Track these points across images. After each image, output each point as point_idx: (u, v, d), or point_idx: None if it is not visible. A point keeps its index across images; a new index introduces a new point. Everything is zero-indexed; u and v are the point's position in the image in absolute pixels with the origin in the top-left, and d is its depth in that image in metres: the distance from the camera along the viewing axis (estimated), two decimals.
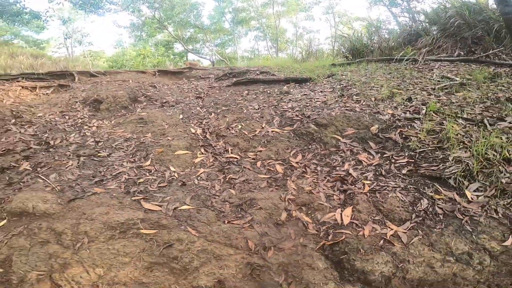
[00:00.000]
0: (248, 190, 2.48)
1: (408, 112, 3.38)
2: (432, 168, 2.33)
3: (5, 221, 2.02)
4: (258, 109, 4.28)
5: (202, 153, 3.16)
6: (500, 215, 1.90)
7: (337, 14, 18.67)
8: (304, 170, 2.73)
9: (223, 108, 4.44)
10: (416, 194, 2.13)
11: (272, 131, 3.51)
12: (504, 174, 2.14)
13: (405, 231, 1.84)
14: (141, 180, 2.56)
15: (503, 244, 1.72)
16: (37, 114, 3.88)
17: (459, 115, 3.12)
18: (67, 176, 2.56)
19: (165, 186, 2.50)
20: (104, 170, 2.70)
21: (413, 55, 5.90)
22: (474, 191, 2.07)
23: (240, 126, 3.73)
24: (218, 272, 1.73)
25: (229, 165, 2.93)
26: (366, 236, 1.84)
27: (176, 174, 2.71)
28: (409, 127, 3.04)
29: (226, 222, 2.08)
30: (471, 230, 1.81)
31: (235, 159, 3.04)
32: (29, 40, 16.08)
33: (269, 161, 2.97)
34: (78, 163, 2.79)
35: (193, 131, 3.64)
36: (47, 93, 4.44)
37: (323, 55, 10.39)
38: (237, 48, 19.51)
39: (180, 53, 19.04)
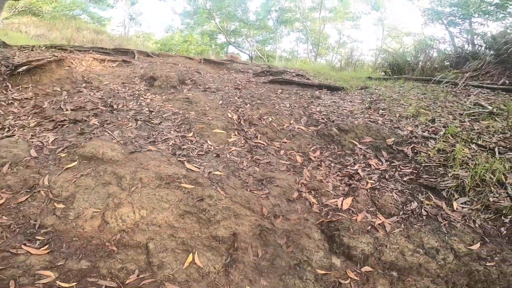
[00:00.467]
0: (270, 170, 2.98)
1: (426, 132, 3.68)
2: (430, 179, 2.68)
3: (76, 162, 2.66)
4: (289, 107, 4.75)
5: (236, 135, 3.70)
6: (476, 225, 2.24)
7: (387, 26, 18.33)
8: (319, 163, 3.17)
9: (258, 101, 4.95)
10: (409, 197, 2.52)
11: (298, 128, 3.97)
12: (494, 194, 2.45)
13: (390, 223, 2.25)
14: (185, 146, 3.15)
15: (470, 247, 2.08)
16: (104, 82, 4.63)
17: (474, 141, 3.37)
18: (128, 134, 3.21)
19: (203, 155, 3.06)
20: (156, 134, 3.32)
21: (454, 78, 5.89)
22: (461, 203, 2.42)
23: (270, 119, 4.23)
24: (234, 227, 2.23)
25: (257, 148, 3.45)
26: (357, 221, 2.27)
27: (212, 147, 3.27)
28: (422, 144, 3.36)
29: (248, 190, 2.61)
30: (446, 232, 2.18)
31: (263, 145, 3.55)
32: (94, 17, 17.65)
33: (291, 151, 3.44)
34: (136, 125, 3.45)
35: (229, 116, 4.20)
36: (112, 66, 5.22)
37: (363, 66, 10.48)
38: (277, 47, 19.80)
39: (222, 44, 19.81)
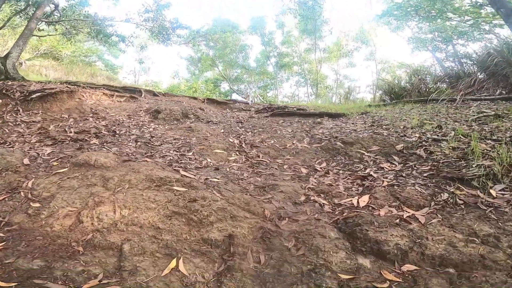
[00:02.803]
0: (273, 180, 2.54)
1: (435, 135, 3.28)
2: (455, 172, 2.20)
3: (66, 169, 2.31)
4: (291, 131, 4.45)
5: (236, 154, 3.34)
6: None
7: (379, 60, 17.88)
8: (326, 172, 2.73)
9: (260, 130, 4.69)
10: (436, 189, 2.02)
11: (301, 146, 3.61)
12: None
13: (423, 214, 1.73)
14: (182, 161, 2.79)
15: None
16: (110, 113, 4.51)
17: (488, 137, 2.95)
18: (126, 150, 2.90)
19: (201, 168, 2.68)
20: (154, 152, 2.99)
21: (451, 95, 5.62)
22: (500, 190, 1.90)
23: (272, 141, 3.90)
24: (230, 229, 1.73)
25: (259, 164, 3.05)
26: (381, 216, 1.76)
27: (211, 163, 2.89)
28: (435, 146, 2.93)
29: (248, 194, 2.15)
30: (496, 218, 1.64)
31: (265, 162, 3.15)
32: (107, 64, 18.35)
33: (295, 165, 3.03)
34: (135, 145, 3.15)
35: (231, 140, 3.89)
36: (120, 101, 5.18)
37: (362, 102, 10.34)
38: (278, 92, 19.48)
39: (226, 92, 19.78)
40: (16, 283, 1.21)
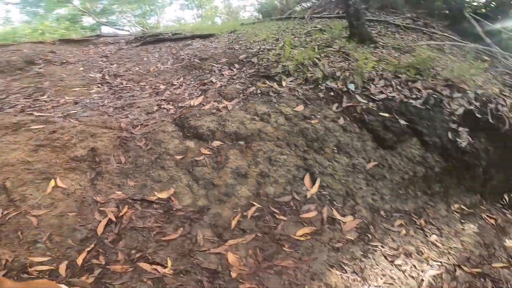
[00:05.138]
0: (132, 100, 2.97)
1: (270, 46, 4.15)
2: (266, 71, 3.10)
3: None
4: (158, 57, 4.68)
5: (98, 87, 3.50)
6: (300, 94, 2.71)
7: None
8: (181, 85, 3.31)
9: (126, 60, 4.72)
10: (248, 84, 2.87)
11: (164, 67, 4.00)
12: (309, 71, 2.99)
13: (232, 104, 2.56)
14: (36, 105, 2.84)
15: (295, 109, 2.50)
16: None
17: (302, 45, 3.96)
18: None
19: (58, 106, 2.84)
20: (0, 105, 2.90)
21: (303, 14, 6.74)
22: (289, 81, 2.88)
23: (137, 68, 4.12)
24: (92, 144, 2.19)
25: (122, 91, 3.36)
26: (206, 109, 2.51)
27: (70, 100, 3.03)
28: (266, 54, 3.79)
29: (106, 115, 2.57)
30: (275, 101, 2.58)
31: (128, 87, 3.46)
32: None
33: (156, 84, 3.47)
34: None
35: (92, 76, 3.92)
36: None
37: (238, 21, 10.61)
38: (161, 18, 17.55)
39: (91, 27, 16.12)
40: None
